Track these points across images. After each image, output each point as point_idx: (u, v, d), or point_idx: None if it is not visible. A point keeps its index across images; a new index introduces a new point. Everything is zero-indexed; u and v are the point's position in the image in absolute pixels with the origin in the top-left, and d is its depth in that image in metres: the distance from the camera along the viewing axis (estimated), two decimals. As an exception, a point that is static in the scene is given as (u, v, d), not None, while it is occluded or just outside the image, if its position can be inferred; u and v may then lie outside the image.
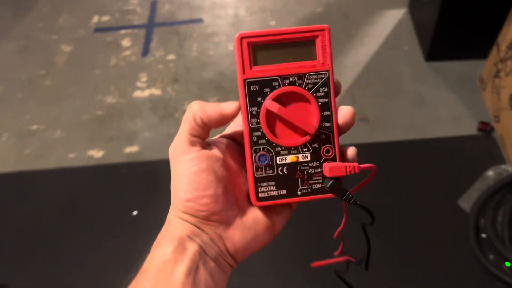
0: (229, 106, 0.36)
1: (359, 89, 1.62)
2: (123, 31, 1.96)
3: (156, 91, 1.71)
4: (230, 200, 0.36)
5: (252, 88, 0.36)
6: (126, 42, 1.91)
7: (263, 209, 0.38)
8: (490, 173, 1.34)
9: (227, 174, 0.36)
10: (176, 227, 0.35)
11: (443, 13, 1.52)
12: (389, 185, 1.36)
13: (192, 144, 0.35)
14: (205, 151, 0.36)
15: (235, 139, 0.39)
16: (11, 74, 1.81)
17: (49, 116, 1.66)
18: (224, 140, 0.38)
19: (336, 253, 0.47)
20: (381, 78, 1.67)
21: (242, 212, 0.37)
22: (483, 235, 1.24)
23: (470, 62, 1.65)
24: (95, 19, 2.03)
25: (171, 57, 1.84)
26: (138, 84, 1.74)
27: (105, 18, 2.03)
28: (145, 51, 1.87)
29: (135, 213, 1.35)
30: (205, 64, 1.80)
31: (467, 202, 1.29)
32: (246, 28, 1.93)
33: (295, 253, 1.23)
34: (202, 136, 0.36)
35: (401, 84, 1.64)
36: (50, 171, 1.49)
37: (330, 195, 0.37)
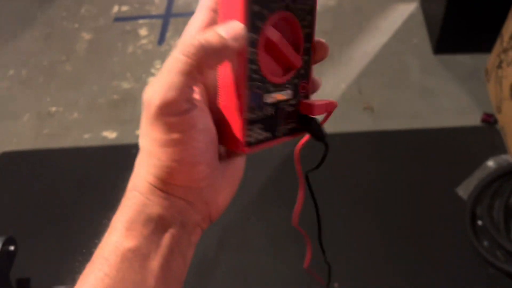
0: (235, 32, 0.27)
1: (366, 79, 1.65)
2: (141, 21, 2.04)
3: (170, 78, 1.78)
4: (217, 159, 0.30)
5: (256, 8, 0.28)
6: (143, 31, 1.99)
7: (238, 160, 0.33)
8: (491, 163, 1.35)
9: (213, 126, 0.30)
10: (154, 201, 0.29)
11: (450, 6, 1.54)
12: (391, 172, 1.39)
13: (188, 101, 0.26)
14: (200, 108, 0.28)
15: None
16: (34, 59, 1.91)
17: (68, 99, 1.74)
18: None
19: (305, 266, 0.42)
20: (389, 69, 1.70)
21: (222, 167, 0.31)
22: (479, 222, 1.25)
23: (478, 56, 1.66)
24: (115, 9, 2.11)
25: (185, 46, 1.90)
26: (153, 70, 1.81)
27: (125, 8, 2.11)
28: (161, 40, 1.94)
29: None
30: (217, 53, 1.86)
31: (465, 190, 1.31)
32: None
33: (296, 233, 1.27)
34: (198, 82, 0.28)
35: (408, 76, 1.66)
36: (66, 149, 1.57)
37: (307, 135, 0.34)
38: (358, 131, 1.50)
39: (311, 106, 0.33)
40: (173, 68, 0.26)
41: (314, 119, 0.33)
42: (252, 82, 0.30)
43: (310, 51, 0.33)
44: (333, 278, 0.80)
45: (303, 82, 0.33)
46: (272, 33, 0.29)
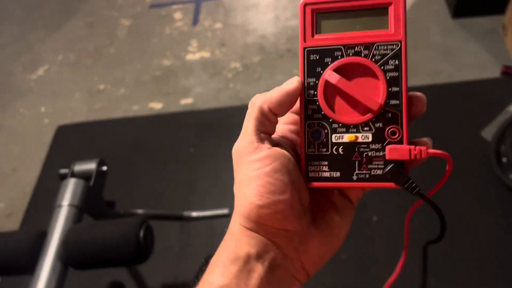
0: (291, 82, 0.32)
1: (389, 44, 1.77)
2: (175, 6, 2.19)
3: (206, 54, 1.92)
4: (303, 205, 0.32)
5: (312, 57, 0.33)
6: (178, 15, 2.14)
7: (334, 212, 0.34)
8: (511, 108, 1.46)
9: (300, 176, 0.32)
10: (242, 241, 0.31)
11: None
12: (418, 124, 1.50)
13: (261, 140, 0.31)
14: (277, 148, 0.31)
15: (288, 139, 0.35)
16: (81, 45, 2.08)
17: (114, 78, 1.90)
18: (284, 139, 0.34)
19: None
20: (411, 34, 1.80)
21: (313, 219, 0.33)
22: (504, 159, 1.36)
23: (494, 17, 1.76)
24: (150, -3, 2.27)
25: (218, 25, 2.05)
26: (190, 49, 1.96)
27: (159, -4, 2.27)
28: (195, 22, 2.09)
29: (192, 150, 1.56)
30: (248, 30, 2.00)
31: (489, 132, 1.42)
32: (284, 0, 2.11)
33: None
34: (270, 131, 0.32)
35: (428, 38, 1.78)
36: (118, 119, 1.73)
37: (390, 184, 0.32)
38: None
39: (392, 151, 0.31)
40: (247, 118, 0.32)
41: (396, 167, 0.31)
42: (310, 120, 0.33)
43: (400, 96, 0.32)
44: (372, 211, 0.89)
45: (392, 127, 0.32)
46: (332, 76, 0.32)
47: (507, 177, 1.31)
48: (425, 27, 1.82)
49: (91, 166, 0.89)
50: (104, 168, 0.92)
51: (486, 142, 1.41)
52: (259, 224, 0.30)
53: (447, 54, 1.71)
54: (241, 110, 1.76)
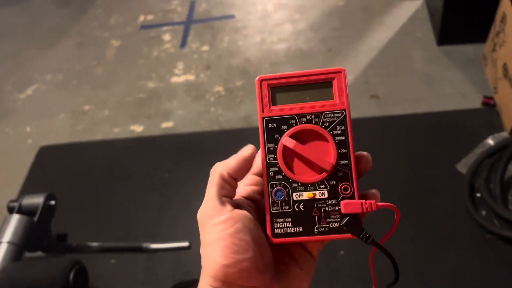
0: (246, 149, 0.37)
1: (371, 70, 1.76)
2: (164, 28, 2.21)
3: (191, 77, 1.93)
4: (265, 262, 0.34)
5: (270, 125, 0.37)
6: (166, 37, 2.16)
7: (295, 266, 0.37)
8: (490, 140, 1.43)
9: (261, 234, 0.35)
10: None
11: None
12: (396, 152, 1.49)
13: (223, 204, 0.34)
14: (238, 211, 0.34)
15: (251, 199, 0.38)
16: (69, 65, 2.10)
17: (99, 99, 1.92)
18: (246, 200, 0.38)
19: None
20: (393, 60, 1.80)
21: (276, 273, 0.36)
22: (478, 194, 1.33)
23: (478, 45, 1.74)
24: (141, 18, 2.30)
25: (205, 48, 2.06)
26: (176, 71, 1.97)
27: (150, 17, 2.29)
28: (183, 44, 2.10)
29: (166, 175, 1.56)
30: (234, 52, 2.00)
31: (464, 166, 1.40)
32: (272, 22, 2.12)
33: None
34: (231, 194, 0.36)
35: (411, 66, 1.76)
36: (98, 142, 1.74)
37: (347, 235, 0.35)
38: (365, 117, 1.61)
39: (347, 206, 0.35)
40: (209, 184, 0.36)
41: (352, 220, 0.35)
42: (272, 181, 0.36)
43: (348, 157, 0.36)
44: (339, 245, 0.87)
45: (344, 184, 0.36)
46: (288, 142, 0.36)
47: (479, 214, 1.29)
48: (409, 54, 1.81)
49: (38, 200, 0.89)
50: (52, 202, 0.92)
51: (460, 175, 1.39)
52: (226, 283, 0.32)
53: (428, 82, 1.69)
54: (218, 135, 1.77)
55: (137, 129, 1.77)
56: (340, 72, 0.37)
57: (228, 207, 0.34)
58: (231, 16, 2.21)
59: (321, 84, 0.37)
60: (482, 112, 1.55)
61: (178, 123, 1.75)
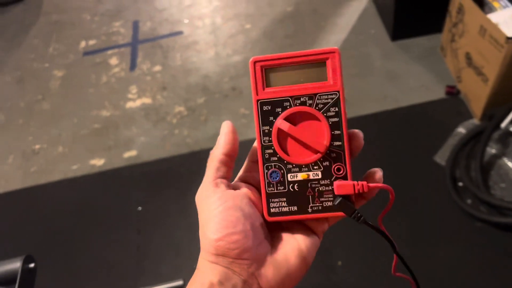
0: (224, 126, 0.38)
1: (333, 73, 1.75)
2: (110, 51, 2.09)
3: (147, 100, 1.83)
4: (259, 236, 0.36)
5: (265, 108, 0.37)
6: (114, 61, 2.04)
7: (293, 242, 0.38)
8: (461, 129, 1.45)
9: (254, 211, 0.37)
10: (206, 272, 0.35)
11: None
12: (372, 152, 1.47)
13: (217, 185, 0.36)
14: (230, 191, 0.36)
15: (250, 183, 0.40)
16: (10, 103, 1.93)
17: (50, 136, 1.77)
18: (243, 184, 0.39)
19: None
20: (353, 61, 1.80)
21: (273, 248, 0.37)
22: (460, 184, 1.34)
23: (432, 36, 1.78)
24: (83, 44, 2.16)
25: (157, 68, 1.97)
26: (129, 96, 1.86)
27: (92, 42, 2.16)
28: (133, 66, 1.99)
29: (139, 208, 1.46)
30: (189, 70, 1.93)
31: (442, 157, 1.41)
32: (224, 35, 2.06)
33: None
34: (226, 175, 0.38)
35: (372, 64, 1.77)
36: (56, 182, 1.60)
37: (340, 214, 0.37)
38: (334, 121, 1.58)
39: (339, 187, 0.36)
40: (207, 167, 0.38)
41: (344, 200, 0.36)
42: (268, 163, 0.37)
43: (342, 138, 0.36)
44: (336, 257, 0.84)
45: (337, 165, 0.37)
46: (283, 124, 0.36)
47: (465, 203, 1.29)
48: (367, 52, 1.81)
49: (15, 266, 0.77)
50: (32, 265, 0.80)
51: (440, 167, 1.39)
52: (217, 256, 0.34)
53: (391, 78, 1.70)
54: (188, 158, 1.66)
55: (98, 162, 1.65)
56: (334, 52, 0.36)
57: (222, 187, 0.36)
58: (179, 33, 2.13)
59: (315, 65, 0.37)
60: (447, 101, 1.57)
61: (142, 150, 1.65)
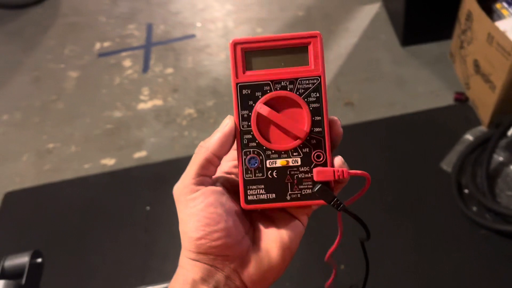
0: (226, 124, 0.36)
1: (342, 77, 1.76)
2: (124, 53, 2.13)
3: (158, 102, 1.86)
4: (241, 231, 0.36)
5: (244, 92, 0.36)
6: (127, 63, 2.08)
7: (275, 233, 0.37)
8: (468, 136, 1.45)
9: (235, 206, 0.36)
10: (188, 270, 0.35)
11: (410, 1, 1.66)
12: (379, 157, 1.48)
13: (198, 183, 0.36)
14: (210, 187, 0.36)
15: (232, 173, 0.40)
16: (27, 102, 1.99)
17: (64, 135, 1.81)
18: (224, 177, 0.39)
19: (327, 284, 0.45)
20: (362, 65, 1.81)
21: (255, 241, 0.37)
22: (466, 191, 1.34)
23: (442, 43, 1.78)
24: (98, 46, 2.20)
25: (169, 70, 2.00)
26: (141, 97, 1.90)
27: (107, 44, 2.21)
28: (145, 68, 2.03)
29: (148, 208, 1.48)
30: (200, 73, 1.96)
31: (449, 163, 1.41)
32: (236, 37, 2.08)
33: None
34: (211, 173, 0.37)
35: (381, 69, 1.77)
36: (69, 181, 1.64)
37: (319, 201, 0.36)
38: (342, 125, 1.59)
39: (319, 173, 0.35)
40: (191, 162, 0.37)
41: (323, 187, 0.35)
42: (246, 148, 0.37)
43: (322, 124, 0.36)
44: (339, 260, 0.85)
45: (317, 151, 0.36)
46: (262, 109, 0.36)
47: (470, 209, 1.29)
48: (376, 58, 1.82)
49: (23, 260, 0.81)
50: (39, 260, 0.84)
51: (446, 174, 1.39)
52: (199, 254, 0.35)
53: (400, 84, 1.70)
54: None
55: (109, 162, 1.68)
56: (316, 36, 0.36)
57: (202, 186, 0.36)
58: (192, 36, 2.16)
59: (297, 50, 0.36)
60: (456, 108, 1.57)
61: (152, 151, 1.68)
